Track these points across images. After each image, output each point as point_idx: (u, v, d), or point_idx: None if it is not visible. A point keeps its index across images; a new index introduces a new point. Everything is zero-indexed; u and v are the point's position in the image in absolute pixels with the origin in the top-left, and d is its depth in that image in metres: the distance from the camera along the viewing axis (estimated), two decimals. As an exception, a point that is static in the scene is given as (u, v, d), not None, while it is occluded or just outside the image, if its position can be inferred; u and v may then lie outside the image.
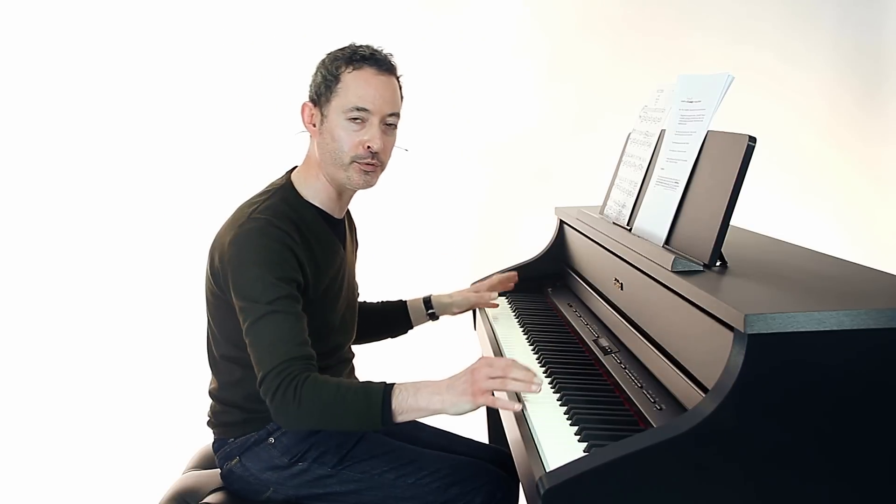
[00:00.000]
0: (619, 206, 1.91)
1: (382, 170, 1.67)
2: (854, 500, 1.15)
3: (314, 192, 1.65)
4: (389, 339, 2.05)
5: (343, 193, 1.69)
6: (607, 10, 3.17)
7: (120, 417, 3.04)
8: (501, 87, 3.19)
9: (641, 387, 1.43)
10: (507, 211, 3.23)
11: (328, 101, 1.60)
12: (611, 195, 2.02)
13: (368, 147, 1.60)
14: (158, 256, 3.07)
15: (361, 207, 3.14)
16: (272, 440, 1.62)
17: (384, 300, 2.04)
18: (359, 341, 1.90)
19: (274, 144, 3.03)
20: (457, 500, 1.58)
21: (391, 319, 2.00)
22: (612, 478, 1.10)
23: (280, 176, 1.70)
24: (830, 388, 1.13)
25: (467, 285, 2.37)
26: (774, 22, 3.19)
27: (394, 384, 1.46)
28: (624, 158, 2.00)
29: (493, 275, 2.25)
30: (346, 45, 1.64)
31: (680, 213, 1.57)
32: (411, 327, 2.04)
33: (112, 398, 3.06)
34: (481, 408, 1.44)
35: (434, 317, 2.05)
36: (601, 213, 2.05)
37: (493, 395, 1.41)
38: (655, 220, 1.65)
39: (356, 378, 1.83)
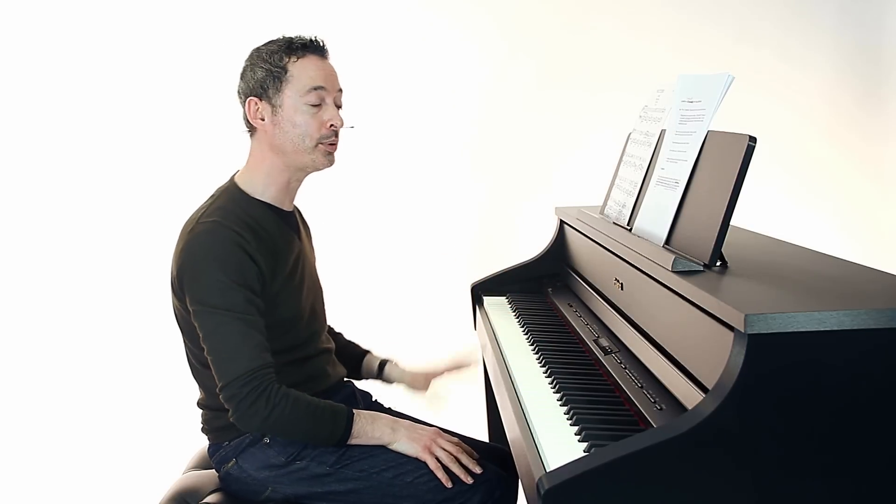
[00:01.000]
0: (620, 206, 1.91)
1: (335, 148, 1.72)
2: (854, 500, 1.15)
3: (262, 188, 1.68)
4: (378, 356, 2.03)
5: (291, 183, 1.71)
6: (608, 10, 3.17)
7: (120, 417, 3.04)
8: (501, 87, 3.19)
9: (641, 387, 1.43)
10: (507, 211, 3.23)
11: (279, 91, 1.63)
12: (611, 195, 2.02)
13: (331, 126, 1.65)
14: (159, 258, 3.06)
15: (361, 207, 3.16)
16: (267, 440, 1.62)
17: (352, 342, 2.02)
18: None
19: (239, 146, 3.03)
20: (455, 498, 1.58)
21: (346, 363, 1.94)
22: (612, 478, 1.10)
23: (224, 182, 1.72)
24: (830, 388, 1.13)
25: (467, 286, 2.37)
26: (774, 22, 3.18)
27: (354, 411, 1.61)
28: (624, 158, 2.00)
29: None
30: (275, 38, 1.68)
31: (680, 213, 1.57)
32: (360, 379, 2.00)
33: (112, 398, 3.05)
34: (479, 409, 1.46)
35: (386, 381, 2.01)
36: (601, 213, 2.05)
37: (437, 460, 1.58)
38: (655, 220, 1.65)
39: (339, 366, 1.85)
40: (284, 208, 1.72)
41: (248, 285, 1.54)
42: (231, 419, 1.54)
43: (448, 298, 3.02)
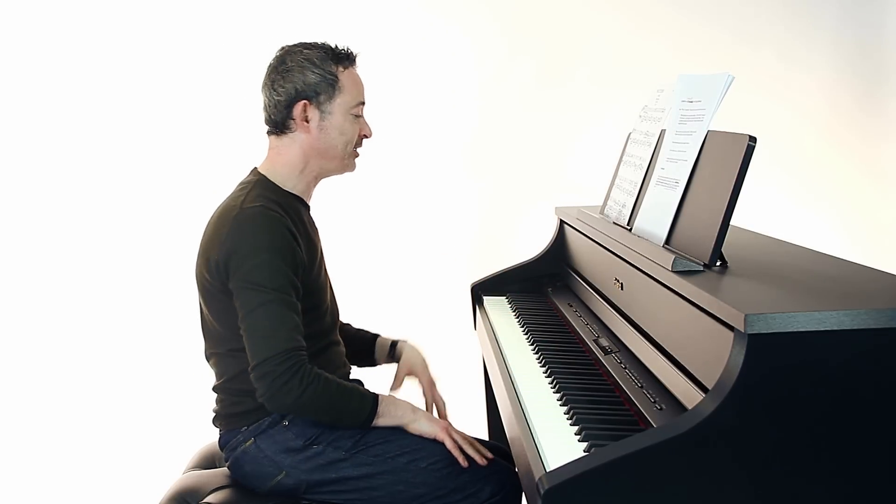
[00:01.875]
0: (620, 205, 1.91)
1: None
2: (854, 500, 1.15)
3: (293, 182, 1.73)
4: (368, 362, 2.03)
5: (311, 184, 1.78)
6: (608, 10, 3.17)
7: (121, 417, 3.04)
8: (501, 87, 3.19)
9: (641, 387, 1.43)
10: (507, 211, 3.23)
11: (331, 98, 1.70)
12: (611, 195, 2.02)
13: (365, 136, 1.78)
14: (161, 256, 3.07)
15: (361, 207, 3.16)
16: (286, 423, 1.64)
17: (361, 329, 2.03)
18: None
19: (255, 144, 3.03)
20: (467, 486, 1.60)
21: (358, 350, 1.98)
22: (612, 478, 1.10)
23: (247, 175, 1.75)
24: (830, 388, 1.13)
25: (467, 286, 2.38)
26: (774, 22, 3.18)
27: (380, 395, 1.66)
28: (624, 158, 2.00)
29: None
30: (317, 42, 1.74)
31: (680, 212, 1.57)
32: (375, 364, 2.02)
33: (113, 398, 3.05)
34: (479, 408, 1.48)
35: (395, 360, 2.02)
36: (601, 213, 2.05)
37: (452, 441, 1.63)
38: (655, 219, 1.65)
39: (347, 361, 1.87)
40: (308, 203, 1.79)
41: (294, 268, 1.60)
42: (261, 398, 1.55)
43: (448, 298, 3.02)
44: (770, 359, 1.12)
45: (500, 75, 3.19)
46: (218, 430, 1.73)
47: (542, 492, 1.10)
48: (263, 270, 1.56)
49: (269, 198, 1.64)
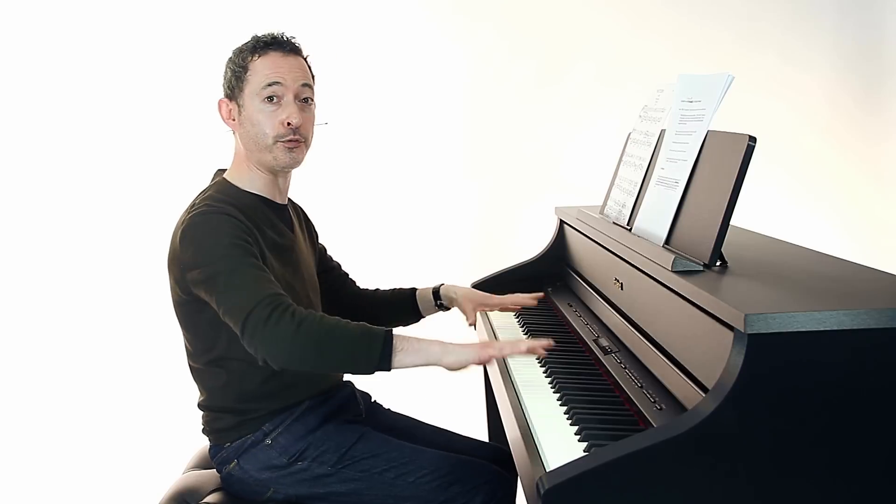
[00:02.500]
0: (619, 205, 1.91)
1: (307, 147, 1.69)
2: (854, 500, 1.15)
3: (249, 181, 1.67)
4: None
5: (277, 177, 1.70)
6: (608, 9, 3.17)
7: (120, 417, 3.04)
8: (501, 87, 3.19)
9: (641, 387, 1.43)
10: (507, 211, 3.23)
11: (241, 90, 1.63)
12: (611, 195, 2.02)
13: (288, 124, 1.61)
14: (158, 259, 3.06)
15: (361, 207, 3.16)
16: (269, 441, 1.61)
17: (395, 287, 2.01)
18: None
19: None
20: (457, 498, 1.57)
21: (399, 308, 1.96)
22: (612, 478, 1.10)
23: (212, 180, 1.73)
24: (830, 388, 1.13)
25: (467, 286, 2.37)
26: (774, 22, 3.18)
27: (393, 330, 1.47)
28: (624, 158, 2.00)
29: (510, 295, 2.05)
30: (250, 38, 1.68)
31: (680, 212, 1.57)
32: (421, 317, 2.00)
33: (112, 398, 3.05)
34: (479, 409, 1.45)
35: (443, 307, 2.00)
36: (601, 213, 2.05)
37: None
38: (655, 219, 1.65)
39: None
40: (276, 201, 1.72)
41: (247, 240, 1.53)
42: (259, 357, 1.44)
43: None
44: (770, 359, 1.12)
45: (500, 75, 3.19)
46: (207, 440, 1.73)
47: (541, 492, 1.10)
48: (217, 248, 1.49)
49: (218, 198, 1.59)
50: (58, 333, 3.07)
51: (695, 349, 1.30)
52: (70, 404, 3.05)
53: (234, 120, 1.66)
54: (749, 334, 1.11)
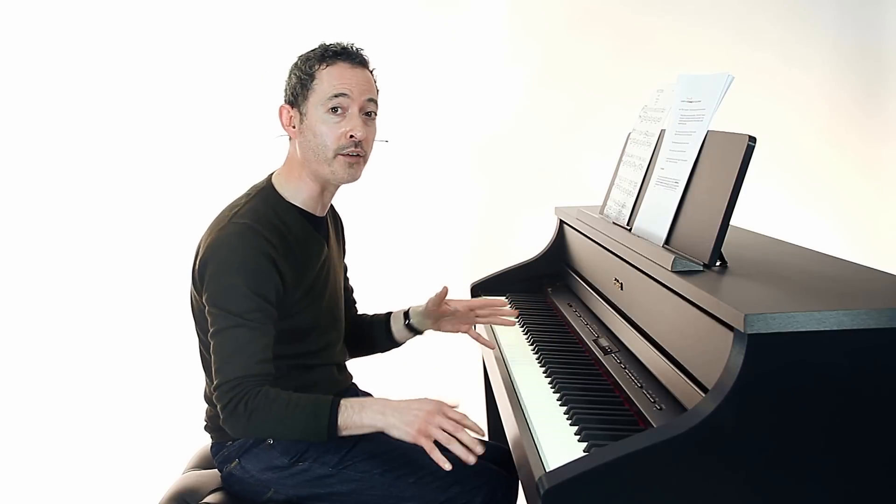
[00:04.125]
0: (619, 205, 1.91)
1: (366, 161, 1.65)
2: (854, 500, 1.15)
3: (295, 191, 1.65)
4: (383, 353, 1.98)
5: (325, 191, 1.68)
6: (608, 9, 3.17)
7: (120, 417, 3.04)
8: (501, 87, 3.19)
9: (641, 387, 1.43)
10: (506, 211, 3.23)
11: (305, 99, 1.60)
12: (611, 195, 2.02)
13: (351, 136, 1.59)
14: (158, 258, 3.07)
15: (361, 207, 3.15)
16: (270, 441, 1.62)
17: (374, 313, 1.96)
18: (351, 355, 1.89)
19: (271, 147, 3.03)
20: (457, 498, 1.57)
21: (374, 333, 1.92)
22: (612, 478, 1.10)
23: (261, 179, 1.70)
24: (830, 388, 1.13)
25: (466, 286, 2.37)
26: (774, 22, 3.18)
27: (341, 400, 1.50)
28: (624, 158, 2.00)
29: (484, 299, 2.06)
30: (317, 45, 1.65)
31: (680, 213, 1.57)
32: (396, 342, 1.93)
33: (112, 398, 3.05)
34: (479, 409, 1.44)
35: (412, 329, 1.91)
36: (601, 213, 2.05)
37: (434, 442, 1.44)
38: (655, 219, 1.65)
39: (352, 382, 1.83)
40: (317, 214, 1.69)
41: (264, 295, 1.52)
42: (221, 424, 1.54)
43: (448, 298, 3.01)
44: (770, 359, 1.12)
45: (500, 75, 3.19)
46: (209, 437, 1.73)
47: (541, 492, 1.10)
48: (230, 294, 1.51)
49: (264, 213, 1.58)
50: (58, 334, 3.07)
51: (695, 349, 1.30)
52: (70, 404, 3.05)
53: (293, 127, 1.63)
54: (749, 334, 1.11)
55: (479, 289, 2.34)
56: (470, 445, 1.42)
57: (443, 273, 3.15)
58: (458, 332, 1.92)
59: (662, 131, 1.77)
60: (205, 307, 1.56)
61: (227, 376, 1.49)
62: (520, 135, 3.20)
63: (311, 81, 1.60)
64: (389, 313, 1.94)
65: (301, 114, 1.61)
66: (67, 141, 3.06)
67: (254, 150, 2.98)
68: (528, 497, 1.25)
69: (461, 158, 3.20)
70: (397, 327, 1.91)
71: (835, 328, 1.12)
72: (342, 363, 1.80)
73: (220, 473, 1.69)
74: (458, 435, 1.43)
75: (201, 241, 1.61)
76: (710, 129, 1.55)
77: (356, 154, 1.60)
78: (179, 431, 2.37)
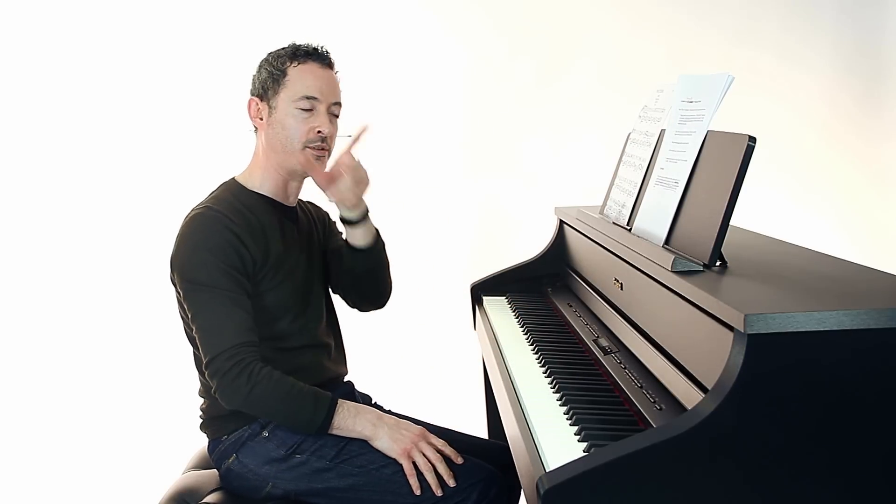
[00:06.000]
0: (619, 206, 1.91)
1: (329, 156, 1.74)
2: (853, 501, 1.15)
3: (260, 182, 1.73)
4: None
5: (291, 182, 1.75)
6: (608, 10, 3.17)
7: (120, 417, 3.04)
8: (501, 86, 3.19)
9: (641, 387, 1.43)
10: (506, 211, 3.23)
11: (276, 93, 1.69)
12: (611, 195, 2.02)
13: (319, 132, 1.68)
14: (159, 257, 3.06)
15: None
16: (266, 433, 1.63)
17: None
18: (362, 307, 1.95)
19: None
20: (452, 496, 1.59)
21: (342, 263, 1.83)
22: (612, 478, 1.10)
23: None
24: (830, 388, 1.13)
25: (467, 286, 2.38)
26: (774, 22, 3.18)
27: (339, 400, 1.60)
28: (624, 158, 2.00)
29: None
30: (290, 43, 1.73)
31: (680, 213, 1.57)
32: (355, 247, 1.80)
33: (112, 398, 3.05)
34: (479, 409, 1.45)
35: (345, 220, 1.79)
36: (601, 213, 2.05)
37: (413, 464, 1.57)
38: (655, 220, 1.65)
39: (342, 365, 1.85)
40: (285, 203, 1.76)
41: (234, 266, 1.59)
42: (215, 395, 1.57)
43: (448, 298, 3.02)
44: (770, 359, 1.12)
45: (499, 74, 3.19)
46: (205, 436, 1.74)
47: (541, 492, 1.10)
48: (201, 269, 1.57)
49: (222, 198, 1.67)
50: (57, 334, 3.07)
51: (695, 349, 1.30)
52: (70, 404, 3.05)
53: (261, 119, 1.72)
54: (749, 334, 1.11)
55: (478, 289, 2.34)
56: (444, 477, 1.56)
57: (443, 273, 3.16)
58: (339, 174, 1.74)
59: (662, 131, 1.77)
60: (182, 295, 1.61)
61: (222, 345, 1.53)
62: (520, 134, 3.20)
63: (283, 77, 1.68)
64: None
65: (270, 107, 1.70)
66: (64, 140, 3.05)
67: (243, 149, 2.99)
68: (528, 497, 1.25)
69: (461, 158, 3.20)
70: (348, 247, 1.82)
71: (835, 328, 1.12)
72: (329, 350, 1.81)
73: (218, 472, 1.69)
74: (437, 465, 1.57)
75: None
76: (710, 129, 1.55)
77: (322, 148, 1.70)
78: (179, 432, 2.38)
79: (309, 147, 1.69)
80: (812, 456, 1.14)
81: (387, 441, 1.59)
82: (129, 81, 3.05)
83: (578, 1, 3.18)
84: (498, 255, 2.68)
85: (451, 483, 1.57)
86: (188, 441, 1.96)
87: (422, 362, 3.12)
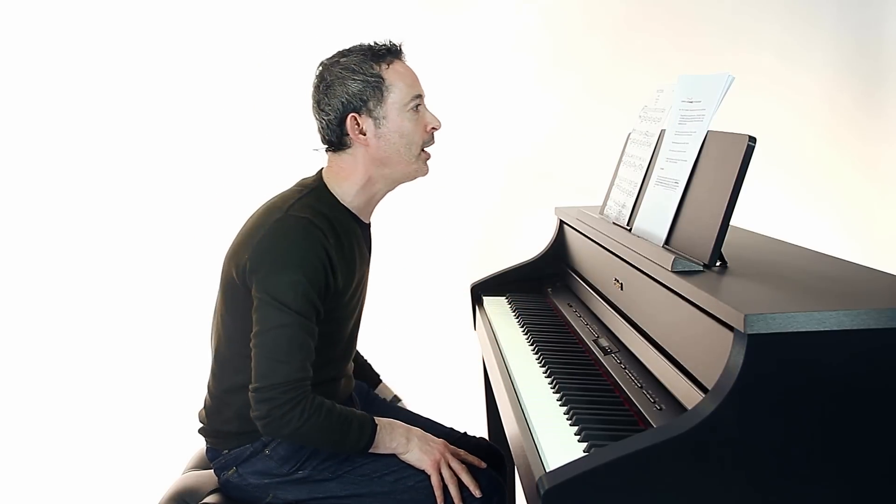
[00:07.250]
0: (619, 206, 1.91)
1: None
2: (854, 501, 1.15)
3: (349, 195, 1.63)
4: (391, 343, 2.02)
5: (373, 198, 1.68)
6: (608, 10, 3.17)
7: (120, 418, 3.04)
8: (501, 87, 3.19)
9: (641, 387, 1.43)
10: (507, 211, 3.23)
11: (381, 101, 1.58)
12: (611, 195, 2.02)
13: (433, 128, 1.65)
14: (159, 260, 3.06)
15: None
16: (268, 451, 1.60)
17: (368, 362, 2.03)
18: None
19: (271, 147, 3.03)
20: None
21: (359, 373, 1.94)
22: (612, 478, 1.10)
23: (311, 176, 1.68)
24: (830, 388, 1.13)
25: (467, 286, 2.38)
26: (774, 22, 3.18)
27: (377, 422, 1.58)
28: (624, 158, 2.00)
29: None
30: (353, 46, 1.63)
31: (680, 213, 1.57)
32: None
33: (112, 398, 3.05)
34: (479, 409, 1.45)
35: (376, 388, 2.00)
36: (601, 213, 2.05)
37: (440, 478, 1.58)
38: (655, 220, 1.65)
39: (352, 381, 1.83)
40: (364, 220, 1.69)
41: (320, 292, 1.51)
42: (256, 420, 1.49)
43: (448, 298, 3.02)
44: (770, 359, 1.12)
45: (499, 75, 3.19)
46: (203, 440, 1.71)
47: (541, 492, 1.10)
48: (289, 289, 1.46)
49: (320, 211, 1.55)
50: (58, 334, 3.07)
51: (695, 349, 1.30)
52: (70, 404, 3.05)
53: (363, 135, 1.59)
54: (749, 334, 1.11)
55: (478, 289, 2.35)
56: (470, 487, 1.57)
57: (443, 273, 3.16)
58: None
59: (662, 131, 1.77)
60: (252, 295, 1.51)
61: (283, 377, 1.46)
62: (520, 135, 3.20)
63: (383, 83, 1.58)
64: (379, 380, 2.02)
65: (375, 118, 1.59)
66: (63, 140, 3.05)
67: (247, 153, 3.00)
68: (528, 497, 1.25)
69: (461, 158, 3.20)
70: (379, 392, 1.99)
71: (835, 328, 1.12)
72: (350, 371, 1.79)
73: (217, 478, 1.69)
74: (461, 475, 1.58)
75: (244, 235, 1.57)
76: (710, 129, 1.55)
77: (431, 147, 1.67)
78: (179, 432, 2.37)
79: (424, 149, 1.65)
80: (812, 456, 1.14)
81: (417, 453, 1.58)
82: (129, 81, 3.05)
83: (579, 2, 3.18)
84: (498, 255, 2.68)
85: (477, 493, 1.56)
86: (188, 441, 1.96)
87: (422, 362, 3.12)
